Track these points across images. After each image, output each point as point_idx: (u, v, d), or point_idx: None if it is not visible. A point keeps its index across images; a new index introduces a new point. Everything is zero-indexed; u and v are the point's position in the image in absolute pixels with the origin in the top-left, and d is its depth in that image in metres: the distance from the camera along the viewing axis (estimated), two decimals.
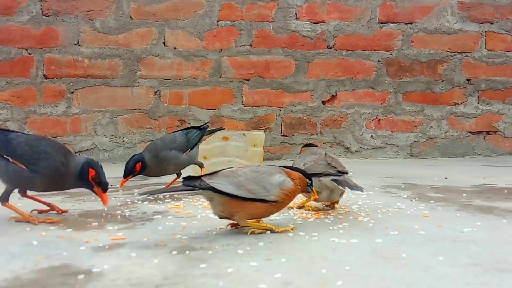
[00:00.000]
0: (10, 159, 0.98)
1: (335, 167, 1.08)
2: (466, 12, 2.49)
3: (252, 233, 0.89)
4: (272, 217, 1.04)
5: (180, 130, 1.46)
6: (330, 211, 1.10)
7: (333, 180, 1.05)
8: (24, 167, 0.98)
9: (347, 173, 1.08)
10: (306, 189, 0.96)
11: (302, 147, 1.32)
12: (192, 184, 0.84)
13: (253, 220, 0.91)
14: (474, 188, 1.46)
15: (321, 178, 1.07)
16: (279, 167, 0.95)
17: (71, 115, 2.30)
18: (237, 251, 0.78)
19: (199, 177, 0.87)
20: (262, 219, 0.94)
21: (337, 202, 1.15)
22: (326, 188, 1.08)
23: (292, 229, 0.91)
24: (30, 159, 0.98)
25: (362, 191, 1.03)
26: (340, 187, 1.03)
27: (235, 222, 0.96)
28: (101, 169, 1.01)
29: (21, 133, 1.05)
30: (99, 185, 1.00)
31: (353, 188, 1.02)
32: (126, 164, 1.32)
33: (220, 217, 0.92)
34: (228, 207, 0.87)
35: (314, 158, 1.14)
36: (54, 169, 0.99)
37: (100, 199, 1.02)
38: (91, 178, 1.00)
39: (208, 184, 0.84)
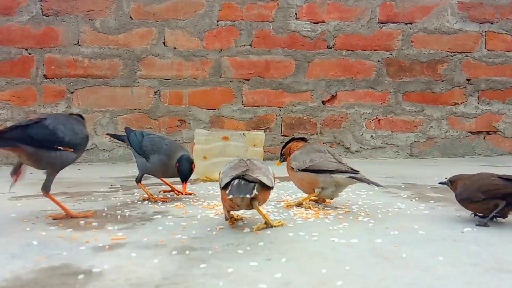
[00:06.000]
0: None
1: (348, 165, 1.11)
2: (466, 12, 2.49)
3: (258, 229, 0.92)
4: (272, 216, 1.04)
5: (134, 133, 1.38)
6: (330, 211, 1.10)
7: (351, 177, 1.08)
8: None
9: (358, 171, 1.11)
10: None
11: (292, 141, 1.26)
12: (254, 179, 0.89)
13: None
14: None
15: (333, 175, 1.09)
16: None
17: None
18: (237, 251, 0.78)
19: (245, 175, 0.91)
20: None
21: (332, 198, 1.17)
22: (334, 185, 1.10)
23: (284, 224, 0.96)
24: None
25: (385, 187, 1.10)
26: (361, 182, 1.07)
27: (234, 221, 0.98)
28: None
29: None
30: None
31: (377, 185, 1.06)
32: (184, 168, 1.24)
33: (228, 217, 0.97)
34: (257, 196, 0.91)
35: (321, 156, 1.14)
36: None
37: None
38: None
39: (257, 178, 0.89)
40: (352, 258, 0.74)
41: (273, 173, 0.99)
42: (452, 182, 1.07)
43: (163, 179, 1.40)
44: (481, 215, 1.01)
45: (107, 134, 1.50)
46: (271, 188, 0.94)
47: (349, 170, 1.09)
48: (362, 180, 1.07)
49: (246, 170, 0.92)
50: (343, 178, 1.09)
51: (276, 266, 0.70)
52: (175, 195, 1.35)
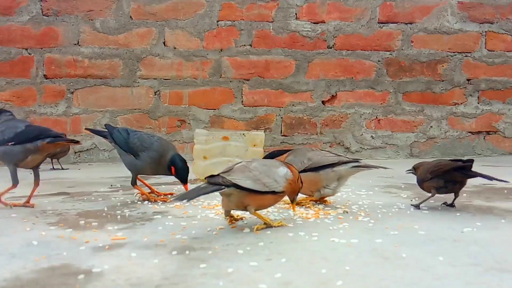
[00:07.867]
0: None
1: (346, 156, 1.13)
2: (466, 12, 2.49)
3: (258, 229, 0.91)
4: (272, 216, 1.04)
5: (118, 130, 1.32)
6: (330, 211, 1.10)
7: (355, 166, 1.10)
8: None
9: (359, 160, 1.15)
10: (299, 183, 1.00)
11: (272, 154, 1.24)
12: (218, 182, 0.86)
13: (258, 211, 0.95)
14: (474, 188, 1.46)
15: (335, 168, 1.09)
16: (278, 161, 1.01)
17: (71, 115, 2.30)
18: (237, 251, 0.78)
19: (218, 175, 0.89)
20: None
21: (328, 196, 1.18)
22: (336, 180, 1.11)
23: (283, 225, 0.95)
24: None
25: (387, 168, 1.14)
26: (367, 169, 1.10)
27: (234, 221, 0.98)
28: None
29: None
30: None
31: (382, 167, 1.11)
32: (182, 170, 1.23)
33: (227, 214, 0.97)
34: (245, 200, 0.90)
35: (318, 153, 1.15)
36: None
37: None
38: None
39: (230, 181, 0.87)
40: (352, 258, 0.74)
41: (286, 176, 0.94)
42: (415, 169, 1.19)
43: (142, 180, 1.36)
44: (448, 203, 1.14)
45: (86, 129, 1.42)
46: (270, 192, 0.91)
47: (351, 160, 1.11)
48: (366, 166, 1.10)
49: (224, 172, 0.89)
50: (346, 169, 1.10)
51: (276, 266, 0.70)
52: (155, 196, 1.30)
